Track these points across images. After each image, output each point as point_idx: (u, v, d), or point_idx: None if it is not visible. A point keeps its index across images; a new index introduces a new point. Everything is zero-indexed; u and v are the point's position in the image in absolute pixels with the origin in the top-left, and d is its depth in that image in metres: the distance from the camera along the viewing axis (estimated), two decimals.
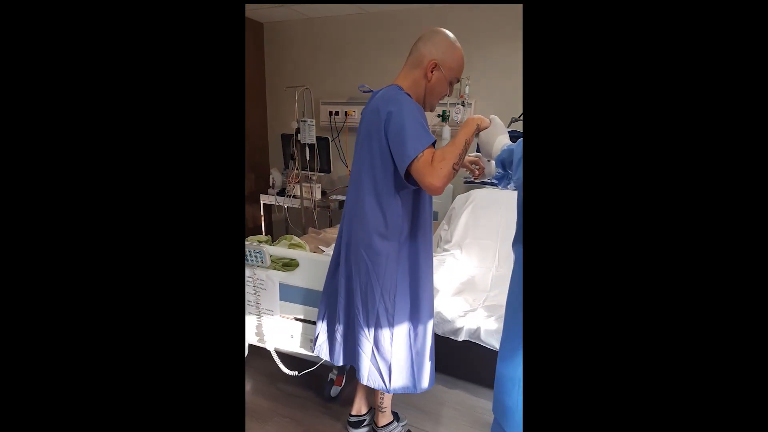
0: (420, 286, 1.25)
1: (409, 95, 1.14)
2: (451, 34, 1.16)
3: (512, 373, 0.90)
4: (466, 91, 2.67)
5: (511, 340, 0.94)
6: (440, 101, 1.25)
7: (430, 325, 1.29)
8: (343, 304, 1.29)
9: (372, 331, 1.26)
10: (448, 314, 1.74)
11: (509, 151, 0.93)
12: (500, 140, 1.00)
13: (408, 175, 1.07)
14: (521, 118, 2.40)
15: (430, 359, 1.31)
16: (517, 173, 0.89)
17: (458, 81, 1.20)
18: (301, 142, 2.59)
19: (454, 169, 1.01)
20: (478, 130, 1.05)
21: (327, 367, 1.68)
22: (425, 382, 1.30)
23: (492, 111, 2.79)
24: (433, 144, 1.06)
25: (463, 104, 2.67)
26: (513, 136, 2.03)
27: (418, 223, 1.22)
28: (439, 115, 2.77)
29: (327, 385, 1.71)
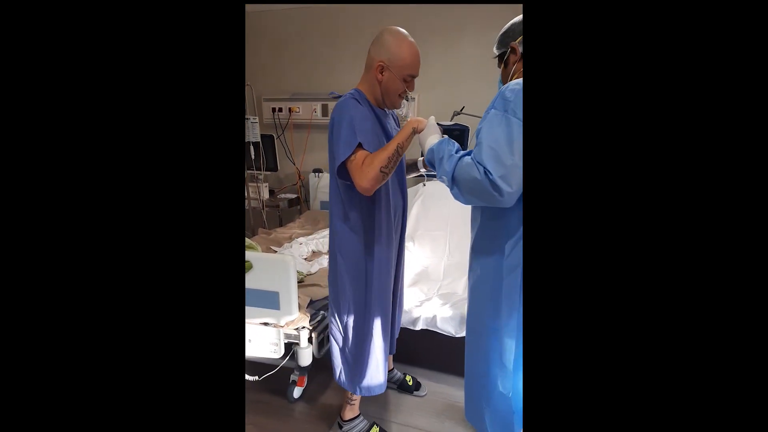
0: (369, 283, 1.27)
1: (365, 97, 1.21)
2: (399, 32, 1.17)
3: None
4: None
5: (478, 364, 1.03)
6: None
7: (377, 323, 1.29)
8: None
9: (337, 325, 1.32)
10: (406, 305, 1.79)
11: (431, 151, 1.02)
12: (429, 141, 1.06)
13: (342, 175, 1.15)
14: (462, 110, 2.49)
15: (383, 359, 1.35)
16: (439, 171, 0.97)
17: (414, 76, 1.21)
18: (245, 140, 2.51)
19: (381, 171, 1.07)
20: (415, 133, 1.10)
21: (288, 369, 1.66)
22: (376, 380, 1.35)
23: (436, 104, 2.85)
24: (372, 146, 1.12)
25: (407, 98, 2.72)
26: (458, 129, 2.09)
27: (372, 219, 1.24)
28: None
29: (289, 387, 1.69)
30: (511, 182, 0.88)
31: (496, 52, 1.09)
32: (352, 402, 1.48)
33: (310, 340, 1.55)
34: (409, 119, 1.12)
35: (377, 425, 1.54)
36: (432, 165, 1.04)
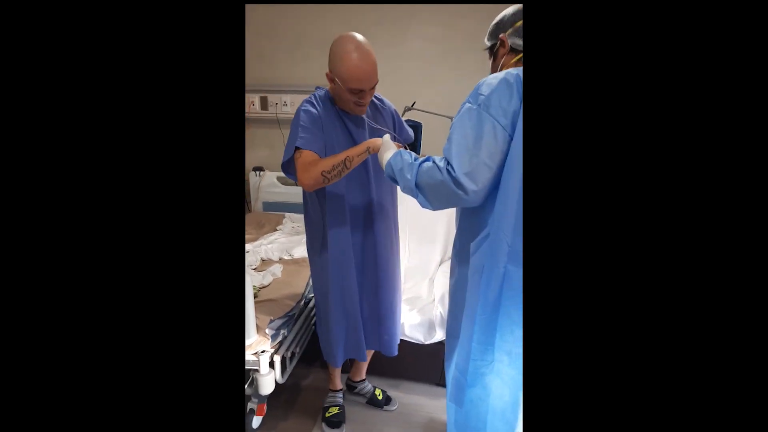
0: (325, 271, 1.34)
1: (330, 97, 1.23)
2: (345, 44, 1.09)
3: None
4: None
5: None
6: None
7: (333, 305, 1.36)
8: None
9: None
10: None
11: (389, 165, 1.02)
12: (386, 156, 1.05)
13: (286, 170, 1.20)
14: (413, 106, 2.43)
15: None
16: (402, 183, 0.97)
17: (360, 91, 1.13)
18: None
19: (323, 175, 1.09)
20: (370, 152, 1.10)
21: (246, 397, 1.48)
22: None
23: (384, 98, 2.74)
24: (315, 146, 1.16)
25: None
26: (411, 125, 2.07)
27: (323, 213, 1.27)
28: None
29: (247, 417, 1.51)
30: (476, 179, 0.85)
31: (487, 43, 1.04)
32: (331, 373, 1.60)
33: (271, 364, 1.38)
34: (366, 140, 1.14)
35: (334, 406, 1.57)
36: (394, 179, 1.02)
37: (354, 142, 1.21)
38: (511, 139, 0.84)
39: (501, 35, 0.97)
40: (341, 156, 1.09)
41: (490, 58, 1.05)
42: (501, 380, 0.94)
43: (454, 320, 1.07)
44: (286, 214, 2.62)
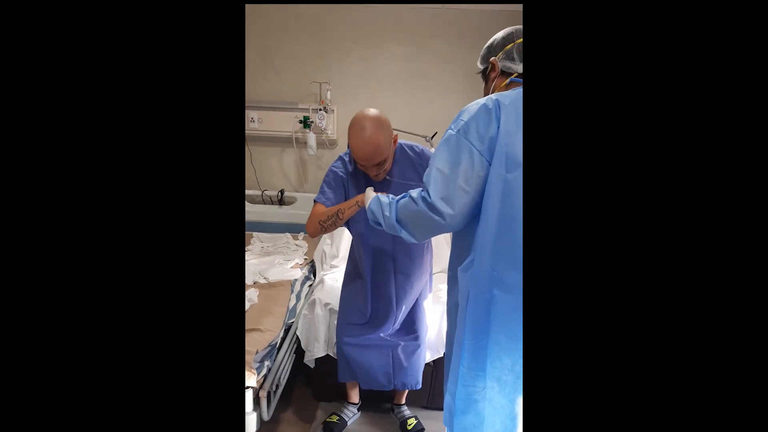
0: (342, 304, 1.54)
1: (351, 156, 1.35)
2: (355, 124, 1.22)
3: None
4: (328, 97, 2.55)
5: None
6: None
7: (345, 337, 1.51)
8: None
9: None
10: None
11: (370, 212, 1.07)
12: (366, 205, 1.10)
13: None
14: None
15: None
16: (386, 224, 1.01)
17: (365, 165, 1.25)
18: None
19: (320, 224, 1.27)
20: (359, 206, 1.21)
21: None
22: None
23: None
24: (329, 202, 1.33)
25: (325, 110, 2.55)
26: None
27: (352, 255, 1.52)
28: (300, 121, 2.57)
29: None
30: (453, 204, 0.87)
31: (479, 66, 1.06)
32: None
33: (257, 401, 1.27)
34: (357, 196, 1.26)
35: (336, 414, 1.61)
36: (378, 223, 1.05)
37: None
38: (489, 164, 0.86)
39: (492, 59, 0.99)
40: (335, 208, 1.26)
41: (483, 82, 1.07)
42: (492, 408, 0.92)
43: (449, 345, 1.06)
44: (254, 233, 2.50)
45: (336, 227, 1.28)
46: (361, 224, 1.36)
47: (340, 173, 1.35)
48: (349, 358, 1.49)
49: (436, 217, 0.88)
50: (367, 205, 1.09)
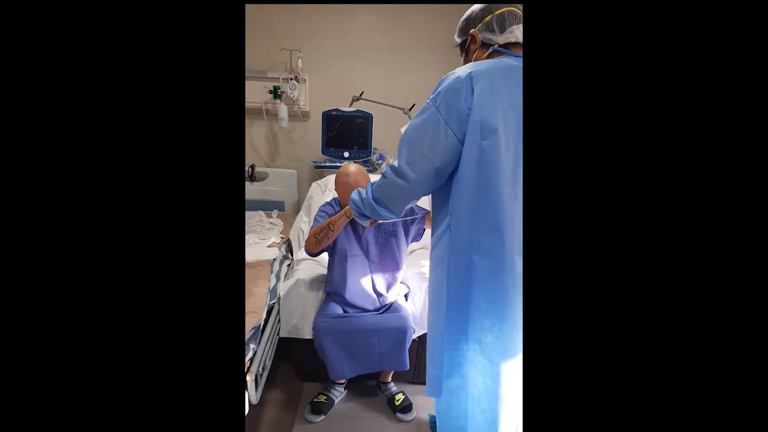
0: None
1: None
2: (346, 170, 1.47)
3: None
4: (299, 65, 2.42)
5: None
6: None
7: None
8: None
9: None
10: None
11: (352, 203, 1.11)
12: (350, 197, 1.14)
13: None
14: (362, 96, 2.33)
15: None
16: (367, 210, 1.05)
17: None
18: None
19: (315, 237, 1.42)
20: (348, 217, 1.34)
21: None
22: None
23: (330, 88, 2.61)
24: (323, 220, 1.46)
25: (297, 79, 2.41)
26: (360, 116, 2.06)
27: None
28: (270, 91, 2.44)
29: None
30: (416, 168, 0.90)
31: (457, 40, 1.04)
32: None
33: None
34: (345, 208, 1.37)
35: (323, 394, 1.59)
36: (362, 214, 1.09)
37: (359, 234, 1.53)
38: (456, 134, 0.88)
39: (471, 31, 0.98)
40: (326, 221, 1.41)
41: (461, 55, 1.06)
42: (475, 368, 0.95)
43: (431, 315, 1.07)
44: None
45: (330, 240, 1.41)
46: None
47: (330, 213, 1.51)
48: (334, 360, 1.48)
49: (401, 182, 0.92)
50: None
